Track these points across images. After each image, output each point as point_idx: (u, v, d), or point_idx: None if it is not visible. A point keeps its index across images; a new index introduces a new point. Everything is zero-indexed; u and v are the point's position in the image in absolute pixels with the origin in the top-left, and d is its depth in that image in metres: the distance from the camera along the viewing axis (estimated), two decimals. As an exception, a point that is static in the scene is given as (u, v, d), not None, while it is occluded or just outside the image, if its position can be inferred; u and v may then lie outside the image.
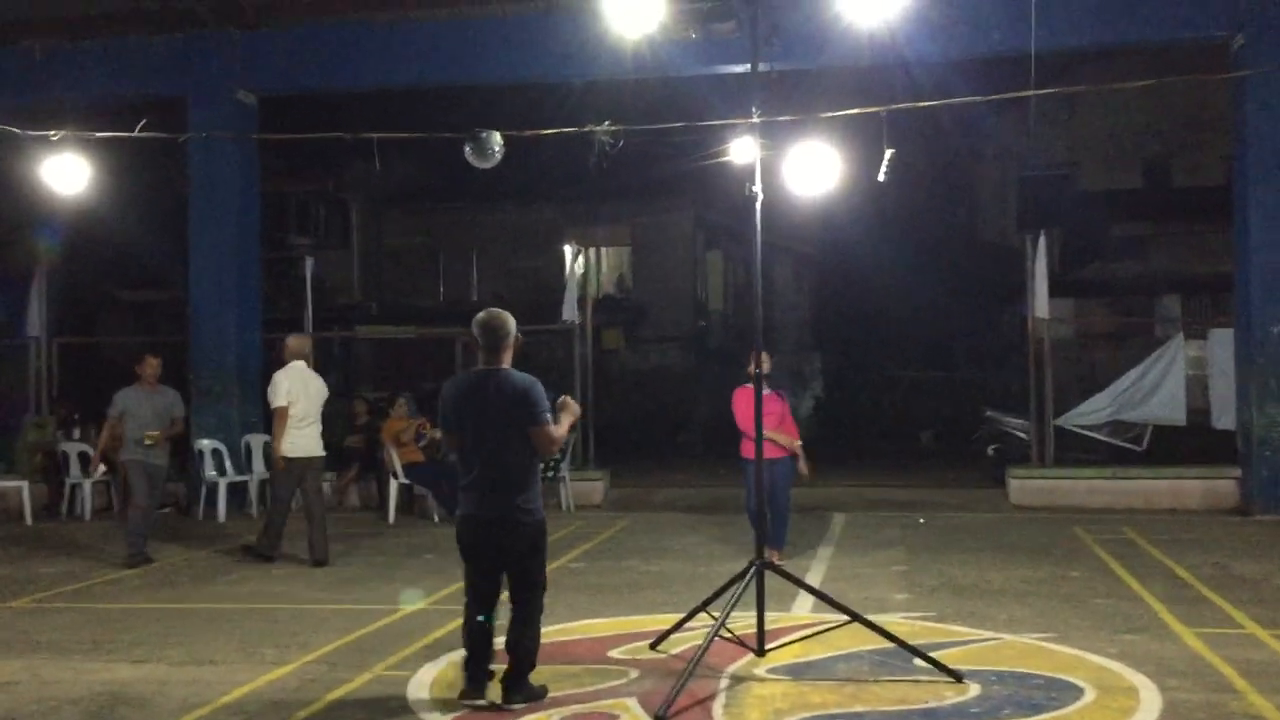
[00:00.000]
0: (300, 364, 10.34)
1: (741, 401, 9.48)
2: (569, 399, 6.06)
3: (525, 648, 5.88)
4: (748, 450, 9.40)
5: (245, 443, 14.46)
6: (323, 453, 10.49)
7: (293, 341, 10.57)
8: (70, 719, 5.72)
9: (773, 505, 9.61)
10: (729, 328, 30.15)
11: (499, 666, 5.95)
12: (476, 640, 5.86)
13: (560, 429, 5.91)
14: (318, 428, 10.38)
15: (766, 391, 9.57)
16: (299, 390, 10.19)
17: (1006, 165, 32.03)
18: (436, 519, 13.30)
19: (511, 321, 5.89)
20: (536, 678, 5.93)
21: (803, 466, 9.87)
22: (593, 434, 15.39)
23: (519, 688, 5.86)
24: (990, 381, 24.83)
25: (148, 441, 10.47)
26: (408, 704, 5.94)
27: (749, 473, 9.48)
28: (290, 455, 10.15)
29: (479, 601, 5.87)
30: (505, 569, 5.87)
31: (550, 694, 5.96)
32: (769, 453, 9.50)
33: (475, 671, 5.89)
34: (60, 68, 14.46)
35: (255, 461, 14.45)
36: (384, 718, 5.70)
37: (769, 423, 9.44)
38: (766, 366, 9.59)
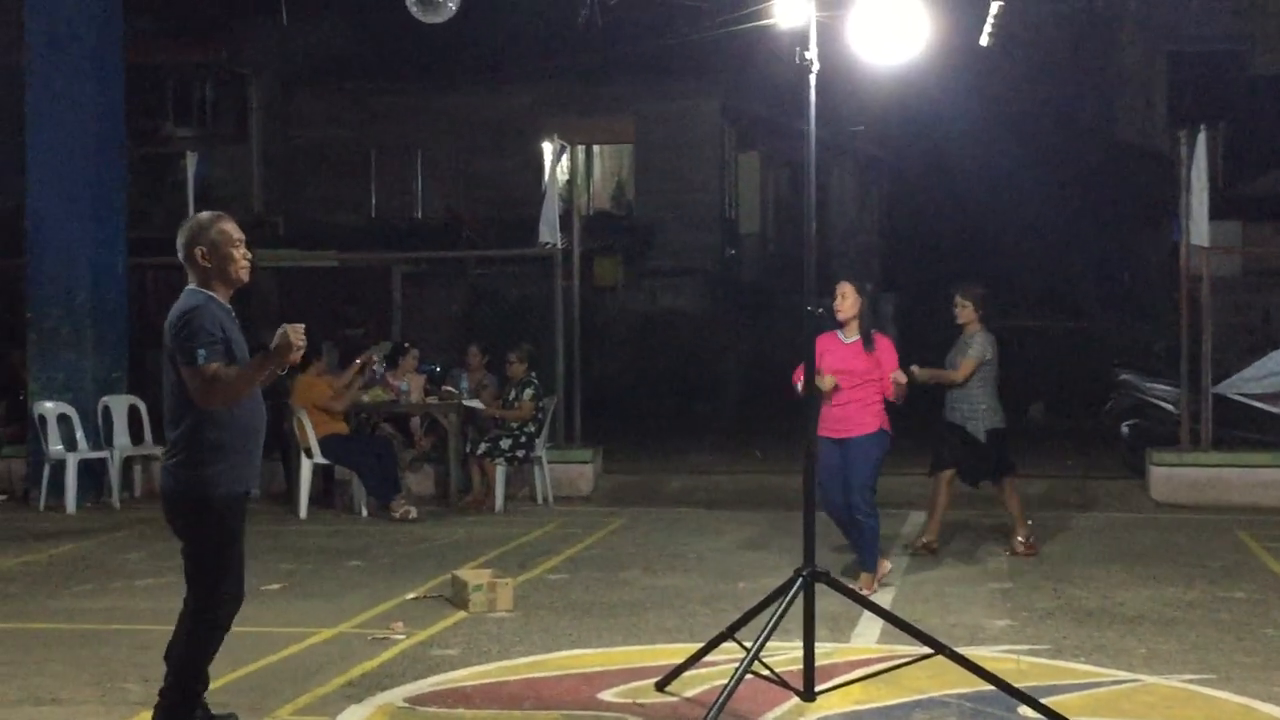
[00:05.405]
0: None
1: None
2: (289, 328, 5.72)
3: (171, 665, 6.23)
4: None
5: (103, 406, 14.44)
6: None
7: None
8: None
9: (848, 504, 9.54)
10: (768, 257, 30.06)
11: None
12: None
13: (242, 371, 5.81)
14: None
15: (850, 340, 9.50)
16: None
17: (1154, 40, 31.82)
18: (365, 512, 13.29)
19: (197, 228, 5.92)
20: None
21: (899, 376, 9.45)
22: (579, 400, 15.34)
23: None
24: (1127, 334, 24.75)
25: None
26: (323, 761, 5.93)
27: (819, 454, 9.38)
28: None
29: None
30: None
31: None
32: (839, 431, 9.44)
33: None
34: None
35: (117, 433, 14.47)
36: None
37: (845, 383, 9.38)
38: (847, 307, 9.50)
